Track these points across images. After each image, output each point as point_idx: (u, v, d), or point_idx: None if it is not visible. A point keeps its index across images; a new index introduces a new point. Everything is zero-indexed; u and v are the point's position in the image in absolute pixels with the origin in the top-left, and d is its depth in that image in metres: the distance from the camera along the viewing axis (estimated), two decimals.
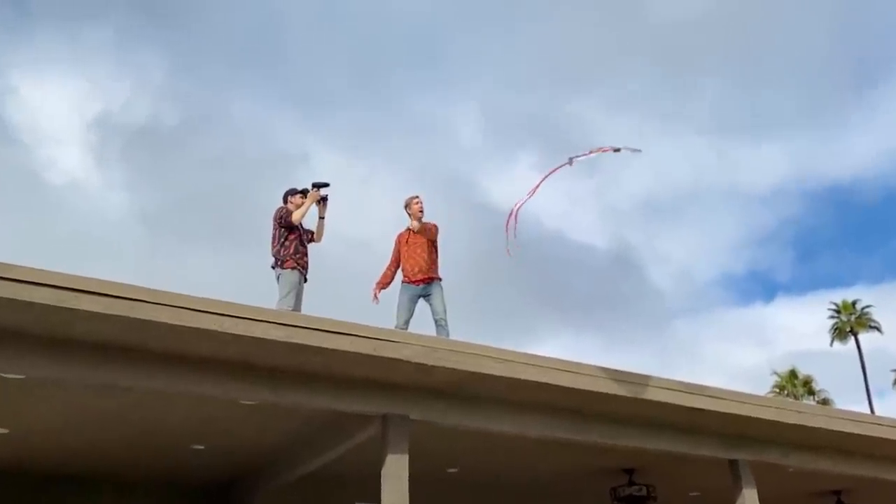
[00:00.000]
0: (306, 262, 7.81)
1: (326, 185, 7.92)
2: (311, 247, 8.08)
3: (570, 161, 7.01)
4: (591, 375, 7.01)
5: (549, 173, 7.11)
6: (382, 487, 6.16)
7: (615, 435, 7.66)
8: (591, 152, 7.00)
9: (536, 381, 6.64)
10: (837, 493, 11.66)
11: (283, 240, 7.76)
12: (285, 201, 8.11)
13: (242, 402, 6.20)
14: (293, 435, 7.32)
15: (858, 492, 11.22)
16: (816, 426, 8.68)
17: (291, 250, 7.69)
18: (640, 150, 7.08)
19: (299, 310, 7.39)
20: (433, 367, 6.13)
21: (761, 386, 51.37)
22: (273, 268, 7.75)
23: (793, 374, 52.10)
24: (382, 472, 6.20)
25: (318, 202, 7.97)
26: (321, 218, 8.13)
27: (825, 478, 10.24)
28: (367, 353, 5.90)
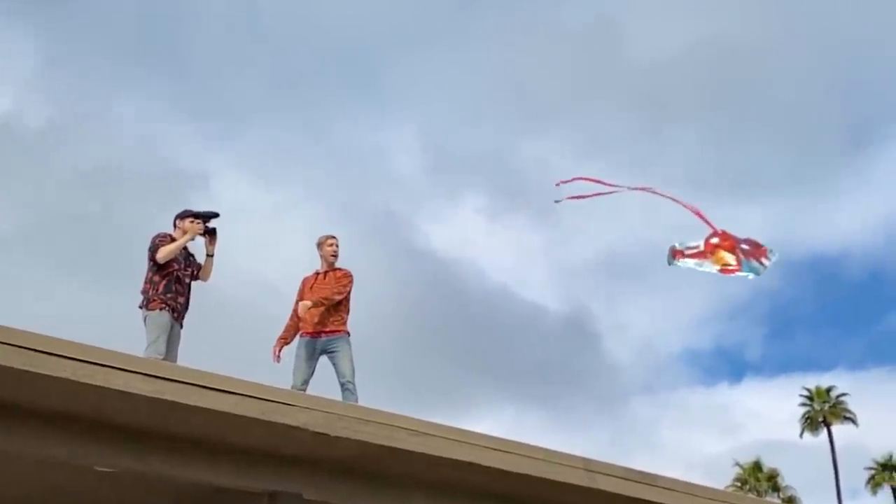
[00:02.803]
0: (181, 304, 7.28)
1: (215, 215, 7.46)
2: (197, 285, 7.55)
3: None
4: (526, 456, 6.63)
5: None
6: None
7: None
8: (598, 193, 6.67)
9: (461, 461, 6.21)
10: None
11: (152, 275, 7.25)
12: (175, 226, 7.58)
13: (98, 468, 5.60)
14: None
15: None
16: None
17: (161, 289, 7.20)
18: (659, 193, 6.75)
19: (174, 360, 6.84)
20: (336, 437, 5.63)
21: (722, 478, 51.75)
22: (140, 308, 7.22)
23: (757, 466, 52.75)
24: None
25: (206, 236, 7.49)
26: (209, 256, 7.65)
27: None
28: (254, 418, 5.37)
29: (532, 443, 6.77)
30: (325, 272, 8.19)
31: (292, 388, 7.43)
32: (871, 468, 53.85)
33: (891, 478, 52.83)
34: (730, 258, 6.70)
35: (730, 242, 6.69)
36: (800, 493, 50.95)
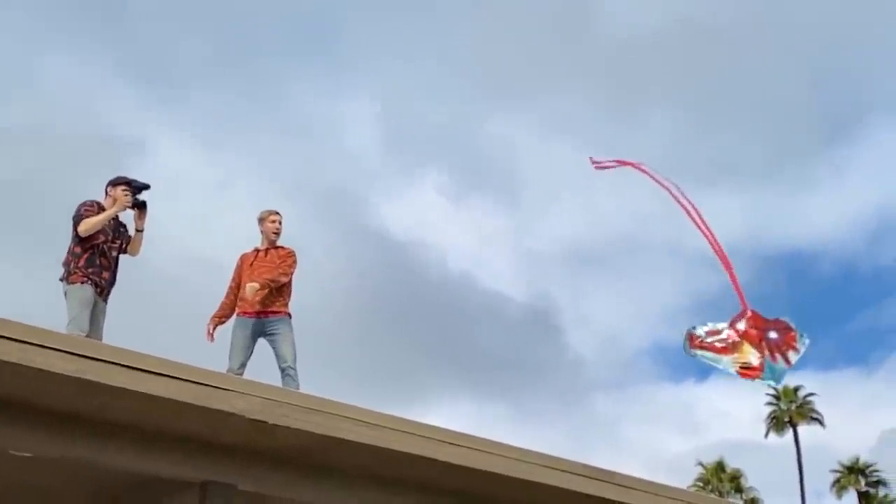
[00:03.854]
0: (106, 279, 7.05)
1: (146, 187, 7.22)
2: (127, 260, 7.32)
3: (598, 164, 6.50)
4: (481, 451, 6.51)
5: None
6: None
7: None
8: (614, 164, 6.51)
9: (412, 454, 6.08)
10: None
11: (74, 246, 7.01)
12: (106, 193, 7.33)
13: (13, 452, 5.37)
14: (84, 500, 6.49)
15: None
16: None
17: (83, 262, 6.97)
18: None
19: (98, 339, 6.61)
20: (275, 426, 5.45)
21: (684, 478, 52.29)
22: (60, 281, 6.98)
23: (720, 466, 53.34)
24: None
25: (135, 209, 7.25)
26: (139, 231, 7.40)
27: None
28: (186, 402, 5.17)
29: (488, 437, 6.66)
30: (266, 249, 8.00)
31: (228, 371, 7.25)
32: (836, 471, 54.76)
33: (856, 481, 53.73)
34: (752, 356, 6.47)
35: (757, 331, 6.46)
36: (763, 494, 51.66)
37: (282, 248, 8.00)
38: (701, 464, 53.58)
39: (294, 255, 7.90)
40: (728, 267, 6.71)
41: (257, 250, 7.94)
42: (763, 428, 54.40)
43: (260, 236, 7.98)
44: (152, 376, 5.10)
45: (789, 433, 52.86)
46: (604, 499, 7.33)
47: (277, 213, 8.06)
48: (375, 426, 5.87)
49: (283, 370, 7.40)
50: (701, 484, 50.99)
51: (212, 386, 5.29)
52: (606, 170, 6.61)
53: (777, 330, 6.44)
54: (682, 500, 8.13)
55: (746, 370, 6.30)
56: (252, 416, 5.39)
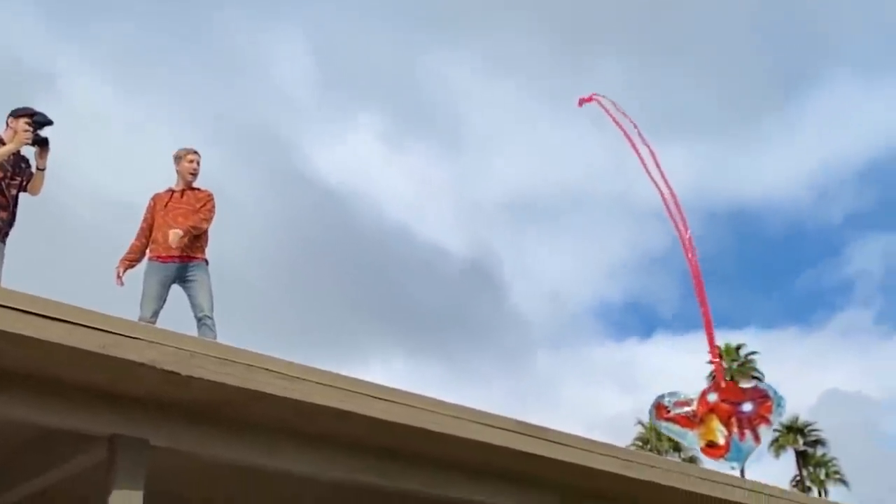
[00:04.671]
0: (4, 219, 6.79)
1: (48, 122, 6.90)
2: (27, 199, 7.06)
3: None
4: (411, 406, 6.46)
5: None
6: None
7: (435, 483, 7.24)
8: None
9: (337, 409, 6.00)
10: None
11: None
12: (7, 125, 7.02)
13: None
14: None
15: None
16: (669, 485, 8.52)
17: None
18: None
19: None
20: (189, 378, 5.32)
21: (624, 437, 53.36)
22: None
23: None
24: None
25: (36, 146, 6.96)
26: (40, 169, 7.12)
27: None
28: (92, 351, 5.01)
29: (418, 392, 6.61)
30: (182, 191, 7.79)
31: (140, 319, 7.05)
32: (775, 430, 56.33)
33: (795, 441, 55.36)
34: (719, 434, 6.39)
35: (730, 405, 6.34)
36: (701, 453, 52.93)
37: (199, 190, 7.79)
38: (640, 423, 54.79)
39: (213, 200, 7.70)
40: (701, 295, 6.71)
41: (172, 191, 7.72)
42: (703, 385, 55.71)
43: (175, 176, 7.77)
44: (53, 322, 4.92)
45: None
46: (537, 455, 7.36)
47: (196, 153, 7.84)
48: (297, 379, 5.76)
49: (199, 319, 7.24)
50: (640, 443, 52.12)
51: (120, 334, 5.13)
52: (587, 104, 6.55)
53: (754, 400, 6.42)
54: (617, 457, 8.21)
55: (711, 448, 6.30)
56: (164, 367, 5.26)
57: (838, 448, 62.22)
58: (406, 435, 6.56)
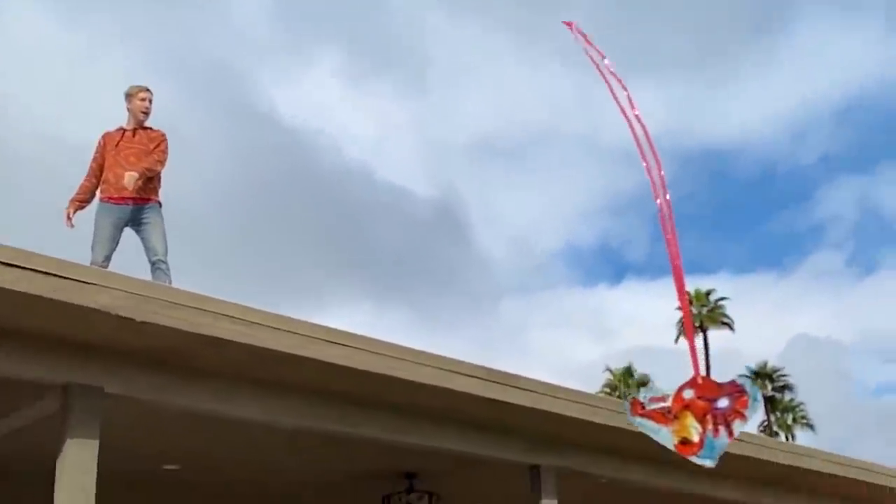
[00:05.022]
0: None
1: None
2: None
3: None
4: (370, 352, 6.50)
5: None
6: (57, 483, 5.43)
7: (397, 430, 7.32)
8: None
9: (295, 355, 6.03)
10: None
11: None
12: None
13: None
14: None
15: None
16: (636, 430, 8.65)
17: None
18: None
19: None
20: (143, 323, 5.31)
21: (593, 385, 53.85)
22: None
23: (628, 372, 54.99)
24: (60, 462, 5.47)
25: None
26: None
27: (641, 491, 10.43)
28: (43, 297, 4.98)
29: (380, 337, 6.64)
30: (134, 130, 7.69)
31: (91, 263, 6.99)
32: (744, 375, 57.29)
33: (763, 386, 56.32)
34: (693, 431, 6.47)
35: (705, 401, 6.42)
36: (675, 450, 53.60)
37: (151, 129, 7.70)
38: (609, 369, 55.47)
39: (166, 141, 7.62)
40: (674, 247, 6.72)
41: (123, 130, 7.62)
42: (674, 333, 56.47)
43: (126, 114, 7.67)
44: (1, 267, 4.87)
45: (699, 338, 54.80)
46: (503, 402, 7.44)
47: (147, 91, 7.75)
48: (254, 324, 5.76)
49: (153, 264, 7.20)
50: (609, 390, 52.76)
51: (71, 279, 5.09)
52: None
53: (729, 395, 6.46)
54: (585, 404, 8.30)
55: (684, 446, 6.40)
56: (118, 313, 5.24)
57: (807, 393, 63.47)
58: (366, 381, 6.60)
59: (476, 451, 7.99)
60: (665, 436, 6.50)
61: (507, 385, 7.44)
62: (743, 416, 6.28)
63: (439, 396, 7.07)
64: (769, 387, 56.59)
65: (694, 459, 6.40)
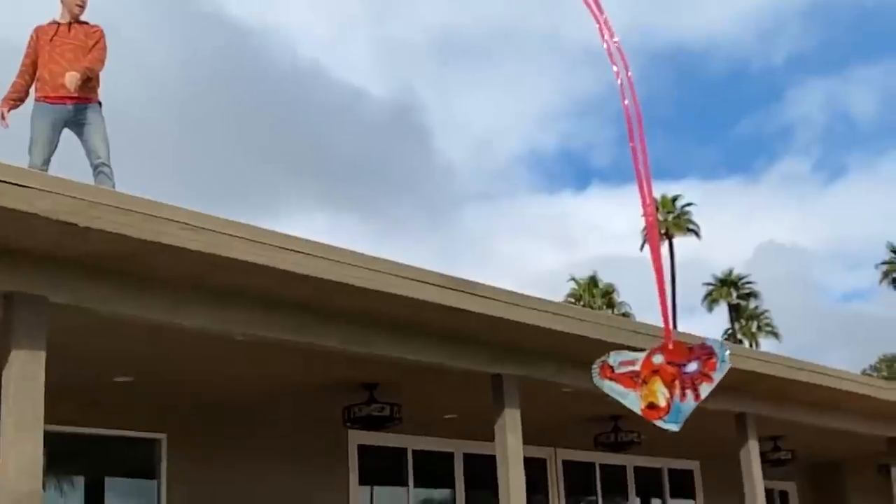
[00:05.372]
0: None
1: None
2: None
3: None
4: (326, 259, 6.45)
5: None
6: (4, 394, 5.38)
7: (356, 340, 7.31)
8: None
9: (246, 261, 5.95)
10: (616, 418, 12.22)
11: None
12: None
13: None
14: None
15: (632, 418, 11.74)
16: (598, 338, 8.73)
17: None
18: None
19: None
20: (87, 229, 5.20)
21: (556, 294, 54.21)
22: None
23: (592, 281, 55.41)
24: (5, 373, 5.43)
25: None
26: None
27: (604, 401, 10.55)
28: None
29: (332, 243, 6.59)
30: (69, 24, 7.42)
31: (30, 167, 6.80)
32: (709, 284, 58.08)
33: (728, 294, 57.22)
34: (661, 396, 6.48)
35: (674, 367, 6.41)
36: (635, 309, 54.34)
37: (87, 24, 7.42)
38: (573, 279, 55.98)
39: (105, 37, 7.36)
40: (657, 260, 6.71)
41: (57, 24, 7.34)
42: (639, 241, 56.88)
43: (60, 8, 7.39)
44: None
45: (665, 246, 55.28)
46: (464, 310, 7.46)
47: None
48: (203, 230, 5.67)
49: (95, 167, 7.02)
50: (573, 300, 53.31)
51: (8, 182, 4.94)
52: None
53: (698, 359, 6.50)
54: (547, 311, 8.34)
55: (651, 410, 6.49)
56: (59, 218, 5.12)
57: (772, 301, 64.64)
58: (323, 289, 6.57)
59: (437, 360, 8.03)
60: (633, 400, 6.64)
61: (465, 292, 7.44)
62: (710, 379, 6.42)
63: (397, 305, 7.07)
64: (734, 295, 57.44)
65: (659, 424, 6.59)
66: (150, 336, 6.97)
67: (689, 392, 6.48)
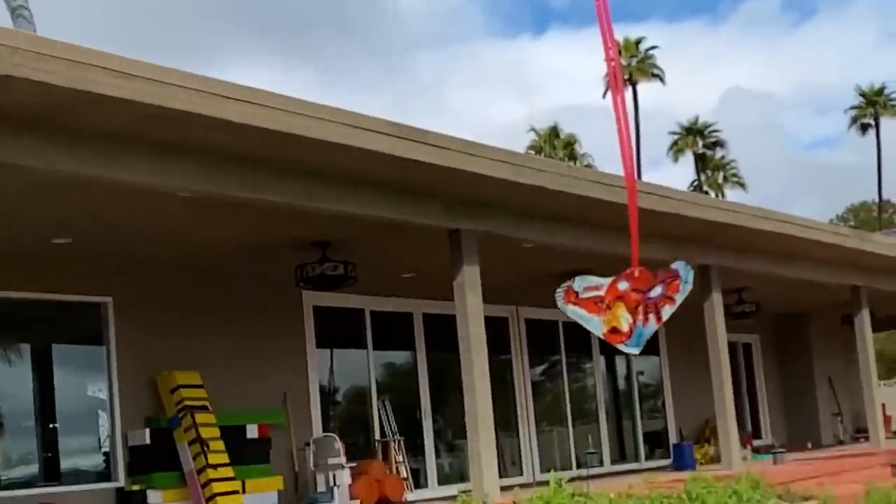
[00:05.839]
0: None
1: None
2: None
3: None
4: (271, 108, 6.35)
5: None
6: None
7: (304, 195, 7.29)
8: None
9: (185, 111, 5.84)
10: (577, 274, 12.30)
11: None
12: None
13: None
14: None
15: (597, 273, 11.83)
16: (559, 189, 8.80)
17: None
18: None
19: None
20: (9, 77, 5.03)
21: (516, 146, 53.95)
22: None
23: (553, 132, 55.16)
24: None
25: None
26: None
27: (566, 256, 10.68)
28: None
29: (279, 92, 6.48)
30: None
31: None
32: (675, 133, 57.92)
33: (694, 143, 57.17)
34: (624, 321, 6.54)
35: (638, 293, 6.40)
36: (598, 160, 54.23)
37: None
38: (533, 129, 55.54)
39: None
40: (632, 192, 6.67)
41: None
42: (602, 88, 56.27)
43: None
44: None
45: (628, 92, 54.80)
46: (417, 161, 7.42)
47: None
48: (136, 77, 5.52)
49: (13, 10, 6.82)
50: (533, 152, 53.04)
51: None
52: None
53: (663, 282, 6.60)
54: (505, 161, 8.29)
55: (613, 334, 6.60)
56: None
57: (739, 150, 65.00)
58: (268, 141, 6.49)
59: (391, 215, 8.04)
60: (596, 324, 6.83)
61: (416, 142, 7.39)
62: (672, 301, 6.61)
63: (345, 156, 7.01)
64: (700, 144, 57.61)
65: (621, 347, 6.81)
66: (87, 194, 6.88)
67: (651, 316, 6.74)
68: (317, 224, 8.50)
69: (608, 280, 6.97)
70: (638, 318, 6.88)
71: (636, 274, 6.89)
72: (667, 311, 6.75)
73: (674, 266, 6.87)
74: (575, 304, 7.01)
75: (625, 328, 6.89)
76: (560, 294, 7.06)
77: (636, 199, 7.28)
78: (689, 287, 6.76)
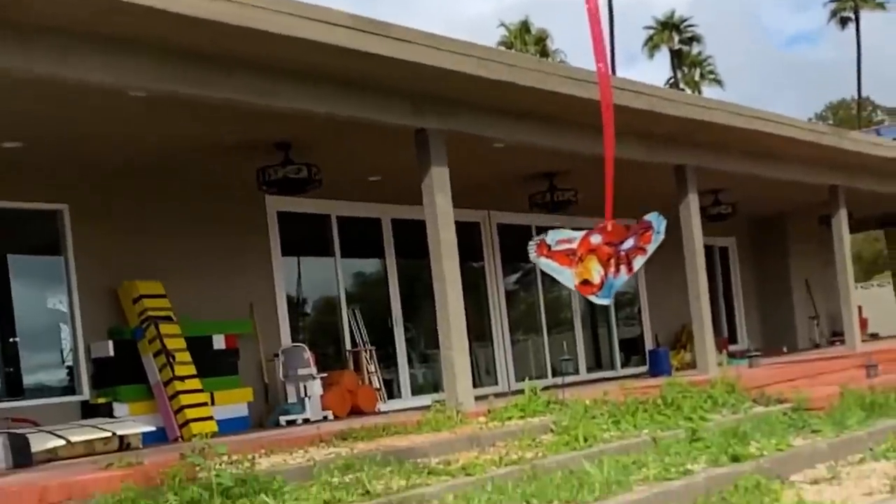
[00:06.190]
0: None
1: None
2: None
3: None
4: (225, 0, 6.22)
5: None
6: None
7: (262, 92, 7.19)
8: None
9: (137, 4, 5.73)
10: (550, 175, 12.31)
11: None
12: None
13: None
14: None
15: (573, 175, 11.87)
16: (529, 85, 8.69)
17: None
18: None
19: None
20: None
21: (485, 42, 53.19)
22: None
23: (524, 27, 54.34)
24: None
25: None
26: None
27: (537, 156, 10.65)
28: None
29: None
30: None
31: None
32: (650, 27, 57.24)
33: (669, 39, 56.55)
34: (595, 273, 6.57)
35: (611, 247, 6.38)
36: (570, 57, 53.51)
37: None
38: (503, 25, 54.77)
39: None
40: (609, 141, 6.60)
41: None
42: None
43: None
44: None
45: None
46: (379, 56, 7.30)
47: None
48: None
49: None
50: (503, 48, 52.44)
51: None
52: None
53: (636, 234, 6.60)
54: (471, 55, 8.17)
55: (585, 286, 6.64)
56: None
57: (715, 46, 64.31)
58: (222, 35, 6.39)
59: (353, 113, 7.94)
60: (567, 277, 6.91)
61: (378, 35, 7.28)
62: (644, 251, 6.66)
63: (304, 50, 6.91)
64: (676, 39, 57.04)
65: (592, 298, 6.88)
66: (37, 93, 6.81)
67: (622, 267, 6.83)
68: (277, 124, 8.44)
69: (581, 234, 7.08)
70: (609, 271, 7.01)
71: (609, 228, 7.01)
72: (638, 262, 6.90)
73: (647, 217, 6.97)
74: (548, 257, 7.12)
75: (596, 280, 7.04)
76: (532, 247, 7.17)
77: (612, 132, 7.28)
78: (662, 237, 6.86)
